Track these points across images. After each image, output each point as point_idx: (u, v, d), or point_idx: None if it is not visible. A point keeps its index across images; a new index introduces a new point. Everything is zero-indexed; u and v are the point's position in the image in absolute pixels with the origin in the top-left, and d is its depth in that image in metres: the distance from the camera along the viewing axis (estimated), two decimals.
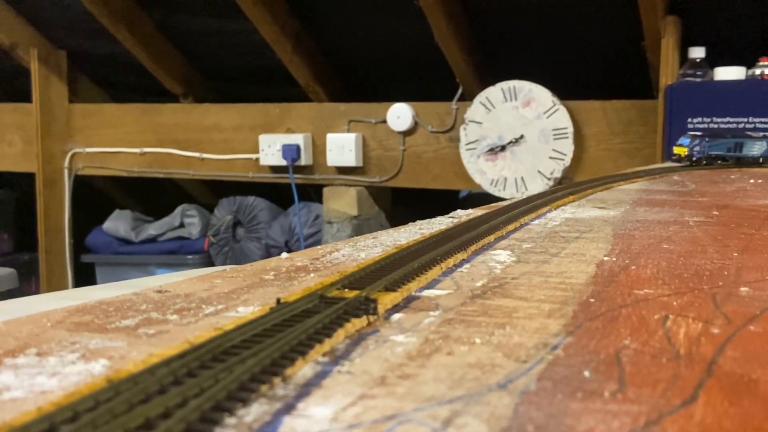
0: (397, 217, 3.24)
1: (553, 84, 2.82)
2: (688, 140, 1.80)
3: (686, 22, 2.54)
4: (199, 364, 0.41)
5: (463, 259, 0.78)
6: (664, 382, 0.41)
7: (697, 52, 2.43)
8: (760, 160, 1.92)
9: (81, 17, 3.30)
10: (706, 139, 1.79)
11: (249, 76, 3.60)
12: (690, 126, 2.36)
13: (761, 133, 1.98)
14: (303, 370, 0.44)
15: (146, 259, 3.63)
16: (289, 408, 0.38)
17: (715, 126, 2.35)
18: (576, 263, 0.76)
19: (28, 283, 3.80)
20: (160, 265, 3.59)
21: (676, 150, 1.87)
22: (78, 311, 0.59)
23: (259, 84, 3.61)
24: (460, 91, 3.01)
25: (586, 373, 0.42)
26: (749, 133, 1.96)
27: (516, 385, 0.41)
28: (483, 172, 2.94)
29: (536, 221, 1.08)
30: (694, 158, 1.80)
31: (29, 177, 3.79)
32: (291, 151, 3.20)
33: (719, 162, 1.83)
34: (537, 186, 2.87)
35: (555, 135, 2.80)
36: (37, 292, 3.78)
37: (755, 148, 1.87)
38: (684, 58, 2.48)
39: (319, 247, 0.91)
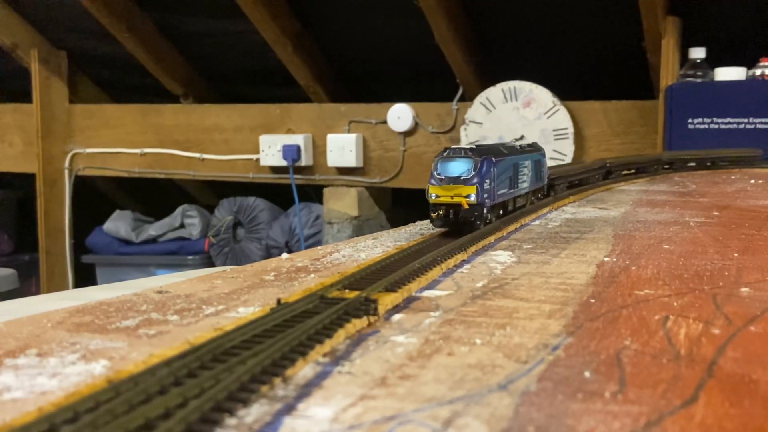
0: (397, 218, 3.24)
1: (554, 84, 2.82)
2: (470, 163, 0.85)
3: (686, 23, 2.54)
4: (199, 364, 0.41)
5: (464, 260, 0.78)
6: (664, 383, 0.41)
7: (698, 53, 2.43)
8: (531, 198, 1.15)
9: (81, 17, 3.30)
10: (492, 160, 0.89)
11: (249, 77, 3.60)
12: (690, 126, 2.36)
13: (526, 143, 1.15)
14: (303, 370, 0.44)
15: (146, 260, 3.63)
16: (289, 408, 0.38)
17: (705, 126, 2.34)
18: (576, 264, 0.76)
19: (28, 284, 3.80)
20: (160, 265, 3.59)
21: (442, 194, 0.85)
22: (78, 312, 0.59)
23: (260, 84, 3.61)
24: (460, 91, 3.01)
25: (587, 374, 0.42)
26: (520, 143, 1.08)
27: (516, 385, 0.41)
28: None
29: (536, 221, 1.08)
30: (487, 209, 0.88)
31: (30, 177, 3.79)
32: (291, 152, 3.20)
33: (500, 213, 0.98)
34: None
35: (555, 135, 2.80)
36: (37, 292, 3.78)
37: (524, 178, 1.06)
38: (684, 59, 2.48)
39: (319, 247, 0.91)
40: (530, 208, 1.12)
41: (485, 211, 0.88)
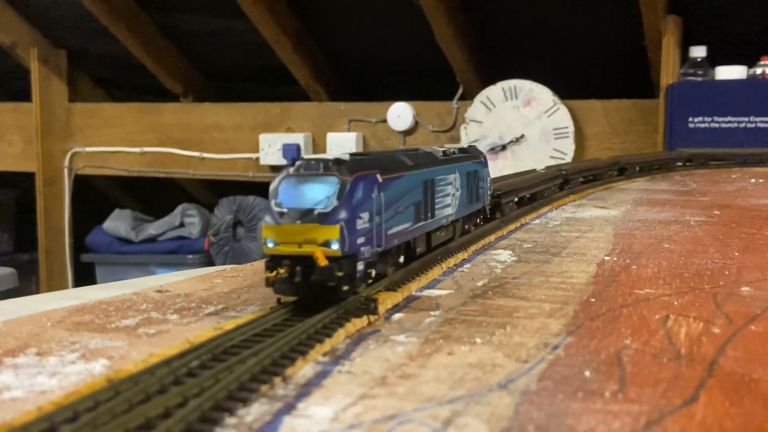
0: None
1: (554, 83, 2.81)
2: (331, 186, 0.52)
3: (687, 22, 2.54)
4: (199, 363, 0.41)
5: (464, 259, 0.78)
6: (665, 382, 0.41)
7: (698, 52, 2.43)
8: (463, 226, 0.83)
9: (81, 17, 3.30)
10: (377, 178, 0.57)
11: (249, 76, 3.60)
12: (691, 125, 2.35)
13: (456, 147, 0.84)
14: (303, 369, 0.44)
15: (146, 259, 3.63)
16: (289, 408, 0.38)
17: (705, 125, 2.34)
18: (577, 263, 0.76)
19: (28, 283, 3.80)
20: (160, 264, 3.59)
21: (283, 241, 0.51)
22: (78, 311, 0.59)
23: (260, 83, 3.61)
24: (460, 90, 3.01)
25: (587, 373, 0.42)
26: (445, 149, 0.79)
27: (517, 385, 0.41)
28: None
29: (537, 221, 1.08)
30: (364, 261, 0.55)
31: (29, 177, 3.79)
32: (291, 151, 3.20)
33: (400, 261, 0.66)
34: None
35: (556, 134, 2.80)
36: (37, 291, 3.78)
37: (447, 200, 0.74)
38: (685, 58, 2.48)
39: None
40: (529, 207, 1.12)
41: (360, 266, 0.54)
